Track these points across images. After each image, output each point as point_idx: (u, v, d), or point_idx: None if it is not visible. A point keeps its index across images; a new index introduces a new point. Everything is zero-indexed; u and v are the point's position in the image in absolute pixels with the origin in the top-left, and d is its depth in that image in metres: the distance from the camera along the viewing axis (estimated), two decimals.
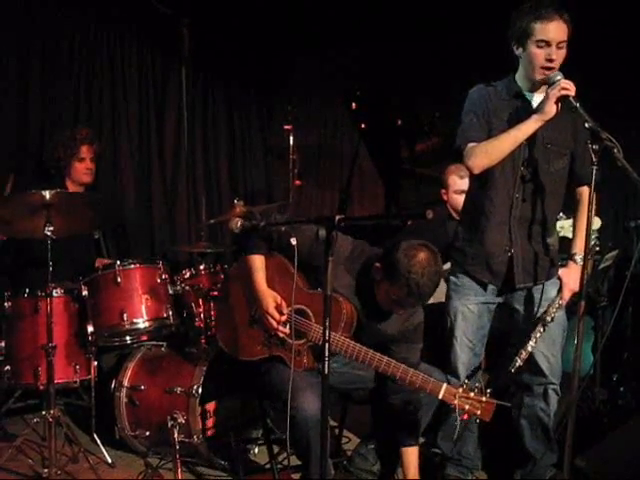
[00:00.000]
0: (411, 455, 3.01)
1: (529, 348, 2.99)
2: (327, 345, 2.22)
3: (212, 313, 3.65)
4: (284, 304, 2.92)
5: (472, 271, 3.11)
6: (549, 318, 3.00)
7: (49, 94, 4.74)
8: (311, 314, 2.90)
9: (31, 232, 3.35)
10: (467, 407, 2.64)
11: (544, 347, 3.07)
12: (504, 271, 3.06)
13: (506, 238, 3.03)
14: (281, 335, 2.92)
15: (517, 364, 2.97)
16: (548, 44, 2.80)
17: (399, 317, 2.93)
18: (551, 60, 2.80)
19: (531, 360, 3.08)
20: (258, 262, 3.00)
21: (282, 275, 2.96)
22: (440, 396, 2.69)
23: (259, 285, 2.97)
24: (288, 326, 2.91)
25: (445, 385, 2.70)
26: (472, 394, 2.65)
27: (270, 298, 2.93)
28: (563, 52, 2.82)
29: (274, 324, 2.91)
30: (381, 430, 3.19)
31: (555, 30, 2.79)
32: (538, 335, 3.00)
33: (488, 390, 2.68)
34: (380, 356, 2.76)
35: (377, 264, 2.79)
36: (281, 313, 2.91)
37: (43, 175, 4.25)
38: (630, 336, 4.16)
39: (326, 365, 2.23)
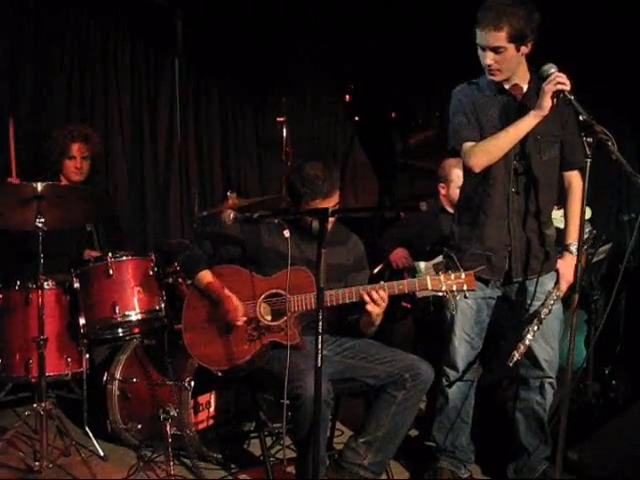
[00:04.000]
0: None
1: (527, 341, 2.99)
2: (320, 338, 2.21)
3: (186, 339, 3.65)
4: (239, 303, 3.02)
5: (471, 268, 3.09)
6: (546, 310, 3.00)
7: (41, 90, 4.72)
8: (283, 292, 2.97)
9: (22, 224, 3.34)
10: (455, 287, 2.82)
11: (543, 341, 3.07)
12: (504, 266, 3.05)
13: (505, 233, 3.02)
14: (263, 324, 2.99)
15: (515, 358, 2.97)
16: (483, 48, 2.85)
17: (346, 248, 3.23)
18: (488, 65, 2.85)
19: (530, 354, 3.08)
20: (207, 276, 3.11)
21: (236, 279, 3.08)
22: (429, 287, 2.84)
23: (218, 292, 3.05)
24: (271, 313, 3.01)
25: (428, 277, 2.86)
26: (452, 275, 2.83)
27: (230, 299, 3.01)
28: (504, 56, 2.84)
29: (241, 318, 2.99)
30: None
31: (484, 37, 2.83)
32: (536, 328, 3.00)
33: (460, 266, 2.87)
34: (363, 287, 2.91)
35: (288, 200, 3.11)
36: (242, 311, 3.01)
37: (38, 172, 4.20)
38: (623, 330, 4.17)
39: (320, 357, 2.22)
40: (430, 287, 2.84)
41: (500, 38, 2.80)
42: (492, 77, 2.91)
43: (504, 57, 2.85)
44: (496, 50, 2.83)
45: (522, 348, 2.98)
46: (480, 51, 2.88)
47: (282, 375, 2.83)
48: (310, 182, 2.99)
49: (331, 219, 2.99)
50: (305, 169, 3.03)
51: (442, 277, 2.83)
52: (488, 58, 2.85)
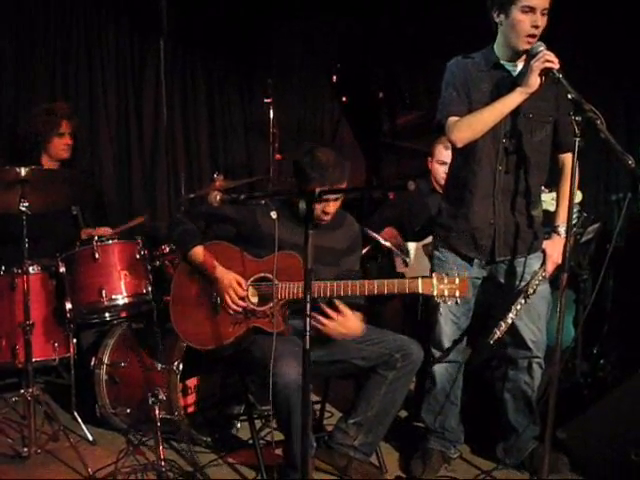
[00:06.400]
0: None
1: (509, 320, 2.99)
2: (308, 320, 2.19)
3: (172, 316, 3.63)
4: (241, 279, 2.99)
5: (457, 246, 3.09)
6: (531, 290, 3.00)
7: (24, 74, 4.65)
8: (271, 277, 2.94)
9: (5, 208, 3.29)
10: (446, 292, 2.75)
11: (529, 321, 3.07)
12: (489, 245, 3.05)
13: (491, 212, 3.01)
14: (247, 308, 2.96)
15: (496, 335, 2.97)
16: (533, 10, 2.76)
17: (342, 231, 3.17)
18: (537, 27, 2.76)
19: (516, 334, 3.09)
20: (199, 253, 3.07)
21: (226, 258, 3.04)
22: (420, 290, 2.77)
23: (212, 269, 3.02)
24: (257, 297, 2.98)
25: (420, 279, 2.79)
26: (446, 279, 2.76)
27: (227, 275, 2.99)
28: (545, 20, 2.79)
29: (236, 299, 2.96)
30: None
31: None
32: (519, 307, 3.00)
33: (456, 272, 2.80)
34: (352, 282, 2.86)
35: (293, 182, 3.02)
36: (241, 287, 2.97)
37: (16, 151, 4.15)
38: (611, 309, 4.18)
39: (306, 340, 2.21)
40: (421, 290, 2.78)
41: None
42: (530, 42, 2.79)
43: (545, 21, 2.79)
44: (544, 12, 2.77)
45: (503, 326, 2.98)
46: (522, 15, 2.76)
47: (262, 361, 2.84)
48: (320, 167, 2.94)
49: (334, 204, 3.00)
50: (317, 154, 2.97)
51: (435, 280, 2.77)
52: (540, 20, 2.76)
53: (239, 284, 2.98)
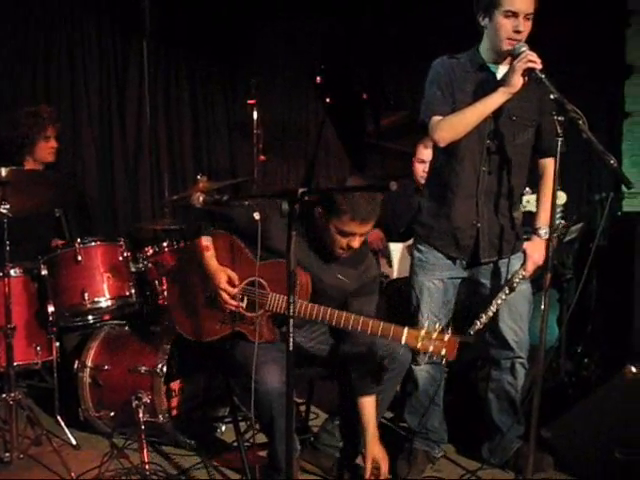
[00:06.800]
0: (368, 406, 2.99)
1: (490, 312, 3.02)
2: (291, 321, 2.18)
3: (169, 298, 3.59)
4: (236, 278, 2.93)
5: (440, 246, 3.09)
6: (512, 285, 3.01)
7: (4, 74, 4.61)
8: (266, 284, 2.89)
9: None
10: (431, 348, 2.62)
11: (511, 321, 3.08)
12: (471, 245, 3.05)
13: (473, 212, 3.01)
14: (236, 310, 2.91)
15: (477, 326, 2.98)
16: (515, 15, 2.77)
17: (356, 271, 2.97)
18: (518, 32, 2.78)
19: (498, 334, 3.10)
20: (206, 243, 3.00)
21: (231, 252, 2.98)
22: (403, 341, 2.67)
23: (210, 263, 2.97)
24: (246, 302, 2.92)
25: (406, 329, 2.67)
26: (434, 334, 2.62)
27: (222, 273, 2.93)
28: (530, 24, 2.80)
29: (228, 299, 2.91)
30: (342, 384, 3.18)
31: (522, 1, 2.77)
32: (499, 302, 3.02)
33: (449, 328, 2.68)
34: (339, 312, 2.77)
35: (318, 209, 2.83)
36: (234, 286, 2.92)
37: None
38: (594, 308, 4.20)
39: (290, 341, 2.19)
40: (404, 341, 2.66)
41: (534, 4, 2.78)
42: (512, 45, 2.79)
43: (530, 25, 2.80)
44: (528, 16, 2.78)
45: (484, 318, 3.00)
46: (504, 19, 2.77)
47: (243, 367, 2.81)
48: (353, 201, 2.73)
49: (360, 238, 2.85)
50: (354, 194, 2.74)
51: (422, 333, 2.63)
52: (523, 25, 2.77)
53: (232, 283, 2.92)
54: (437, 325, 2.68)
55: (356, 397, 3.01)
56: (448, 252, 3.08)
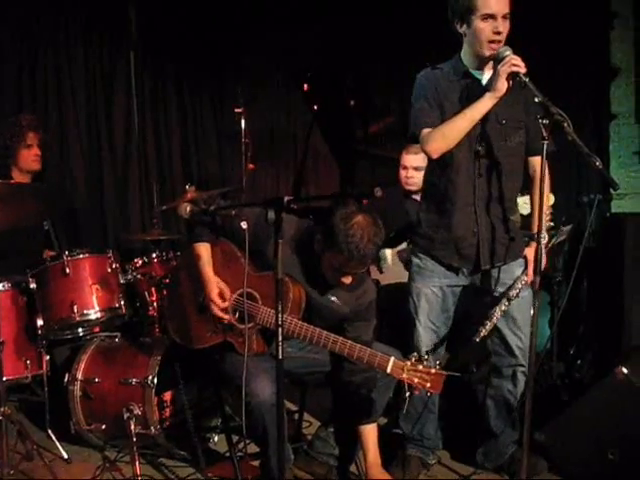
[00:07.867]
0: (369, 433, 2.99)
1: (494, 319, 3.01)
2: (280, 330, 2.17)
3: (165, 301, 3.58)
4: (227, 290, 2.91)
5: (441, 257, 3.06)
6: (514, 292, 3.01)
7: None
8: (258, 297, 2.86)
9: None
10: (416, 380, 2.59)
11: (516, 328, 3.07)
12: (473, 254, 3.02)
13: (472, 220, 2.99)
14: (226, 321, 2.89)
15: (482, 334, 2.98)
16: (493, 17, 2.77)
17: (351, 295, 2.89)
18: (498, 33, 2.78)
19: (503, 341, 3.09)
20: (203, 250, 2.97)
21: (229, 261, 2.95)
22: (388, 370, 2.64)
23: (204, 272, 2.95)
24: (237, 313, 2.89)
25: (392, 359, 2.63)
26: (420, 367, 2.59)
27: (213, 284, 2.91)
28: (507, 23, 2.80)
29: (217, 311, 2.89)
30: (339, 412, 3.17)
31: (498, 2, 2.77)
32: (503, 308, 3.01)
33: (438, 362, 2.65)
34: (327, 334, 2.73)
35: (318, 236, 2.76)
36: (224, 299, 2.89)
37: None
38: (585, 310, 4.21)
39: (280, 349, 2.18)
40: (389, 371, 2.62)
41: (508, 3, 2.78)
42: (493, 48, 2.79)
43: (507, 25, 2.80)
44: (505, 16, 2.78)
45: (489, 325, 2.99)
46: (483, 23, 2.77)
47: (233, 378, 2.80)
48: (354, 243, 2.61)
49: (353, 276, 2.77)
50: (354, 225, 2.63)
51: (408, 364, 2.60)
52: (501, 25, 2.77)
53: (222, 296, 2.90)
54: (426, 355, 2.66)
55: (355, 426, 3.00)
56: (450, 262, 3.04)
